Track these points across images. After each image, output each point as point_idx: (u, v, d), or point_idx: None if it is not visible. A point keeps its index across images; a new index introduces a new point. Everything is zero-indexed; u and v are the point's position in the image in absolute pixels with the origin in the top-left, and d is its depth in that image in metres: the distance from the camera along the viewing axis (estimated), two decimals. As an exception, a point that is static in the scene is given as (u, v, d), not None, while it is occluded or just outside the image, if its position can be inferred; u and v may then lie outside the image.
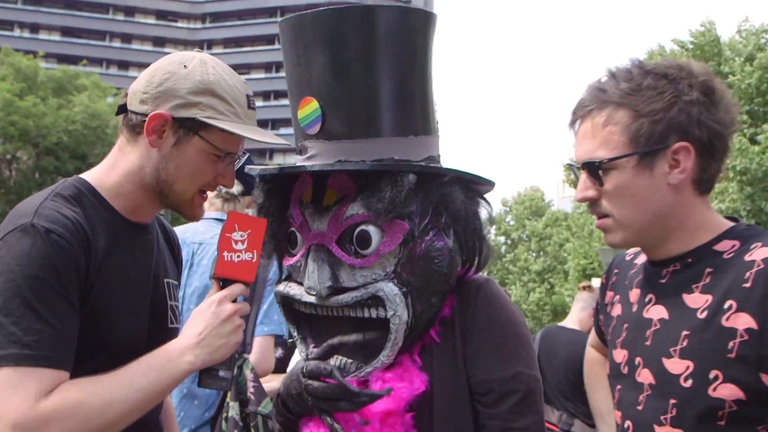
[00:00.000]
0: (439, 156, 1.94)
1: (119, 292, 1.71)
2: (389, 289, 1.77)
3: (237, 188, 3.18)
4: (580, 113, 1.64)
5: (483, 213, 1.93)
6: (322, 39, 1.81)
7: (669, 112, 1.53)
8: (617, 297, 1.80)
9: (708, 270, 1.55)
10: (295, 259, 1.91)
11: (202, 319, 1.65)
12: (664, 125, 1.54)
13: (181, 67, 1.71)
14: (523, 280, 36.83)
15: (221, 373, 1.70)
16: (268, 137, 1.79)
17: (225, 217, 2.63)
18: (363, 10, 1.82)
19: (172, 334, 1.88)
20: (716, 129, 1.55)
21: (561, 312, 23.31)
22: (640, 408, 1.60)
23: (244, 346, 3.08)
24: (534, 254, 39.01)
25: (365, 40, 1.81)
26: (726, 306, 1.48)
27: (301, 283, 1.88)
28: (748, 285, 1.45)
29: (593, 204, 1.65)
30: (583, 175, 1.64)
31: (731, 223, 1.62)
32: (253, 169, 1.96)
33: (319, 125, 1.83)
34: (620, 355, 1.70)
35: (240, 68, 71.10)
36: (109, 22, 70.70)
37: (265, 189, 1.94)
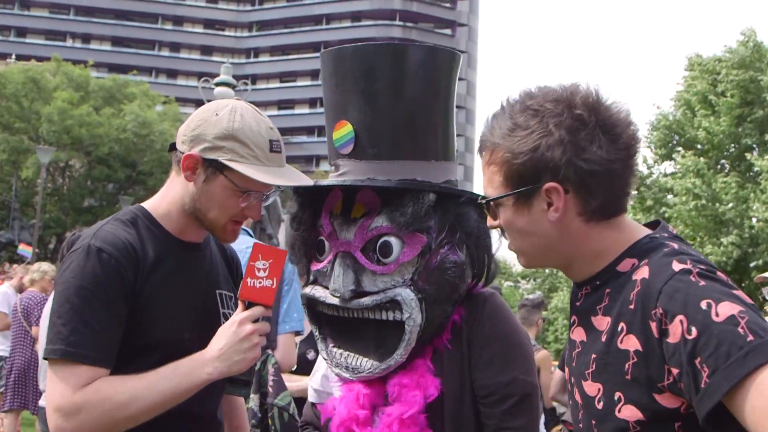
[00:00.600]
0: (456, 180, 2.19)
1: (165, 300, 1.97)
2: (406, 294, 1.99)
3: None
4: (479, 149, 1.68)
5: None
6: (359, 70, 2.06)
7: (536, 152, 1.52)
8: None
9: (607, 291, 1.56)
10: (322, 264, 2.13)
11: (224, 336, 1.88)
12: (532, 165, 1.53)
13: (213, 114, 1.97)
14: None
15: (241, 383, 1.98)
16: (280, 179, 1.96)
17: (251, 230, 2.82)
18: (396, 47, 2.12)
19: None
20: (586, 168, 1.51)
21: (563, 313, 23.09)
22: (581, 425, 1.64)
23: (269, 343, 3.26)
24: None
25: (397, 74, 2.06)
26: (619, 328, 1.49)
27: (326, 287, 2.11)
28: (632, 307, 1.47)
29: (502, 232, 1.72)
30: None
31: (638, 237, 1.59)
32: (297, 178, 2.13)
33: (352, 146, 2.07)
34: (566, 372, 1.77)
35: (286, 75, 72.05)
36: (158, 31, 72.12)
37: (299, 201, 2.17)
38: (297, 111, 69.78)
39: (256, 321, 1.90)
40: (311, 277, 2.19)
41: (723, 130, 20.63)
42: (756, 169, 20.25)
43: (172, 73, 70.42)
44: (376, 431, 2.03)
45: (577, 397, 1.65)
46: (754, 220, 18.86)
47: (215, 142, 1.93)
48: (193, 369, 1.85)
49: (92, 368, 1.80)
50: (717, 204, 19.43)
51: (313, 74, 70.91)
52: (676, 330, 1.36)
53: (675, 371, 1.37)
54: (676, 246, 1.53)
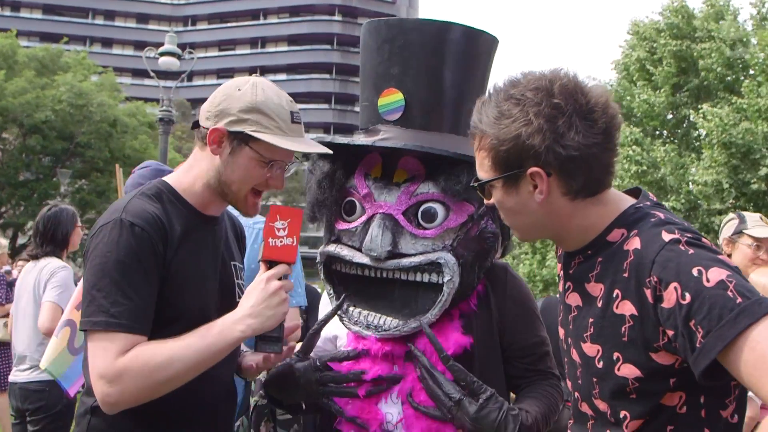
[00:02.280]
0: None
1: (192, 272, 2.06)
2: (449, 258, 2.11)
3: None
4: (470, 134, 1.78)
5: None
6: (421, 44, 2.17)
7: (518, 140, 1.62)
8: (560, 275, 1.95)
9: (599, 260, 1.70)
10: (352, 224, 2.22)
11: (253, 295, 1.96)
12: (515, 152, 1.64)
13: (236, 90, 2.05)
14: (515, 253, 37.13)
15: (272, 339, 2.01)
16: (305, 146, 2.06)
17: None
18: (458, 28, 2.22)
19: None
20: (564, 154, 1.60)
21: (552, 283, 23.53)
22: (580, 382, 1.78)
23: None
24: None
25: (455, 53, 2.19)
26: (614, 295, 1.63)
27: (352, 246, 2.20)
28: (626, 275, 1.60)
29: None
30: None
31: (624, 208, 1.71)
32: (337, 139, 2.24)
33: (400, 114, 2.19)
34: (561, 332, 1.91)
35: (225, 44, 70.84)
36: (91, -1, 69.91)
37: (330, 160, 2.25)
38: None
39: (281, 279, 1.98)
40: (333, 236, 2.26)
41: (662, 101, 21.11)
42: (696, 134, 20.77)
43: (107, 42, 68.51)
44: (412, 377, 2.12)
45: (575, 356, 1.78)
46: (691, 185, 19.35)
47: (240, 115, 2.01)
48: (226, 328, 1.93)
49: (132, 336, 1.89)
50: (656, 170, 19.90)
51: (252, 42, 70.01)
52: (670, 296, 1.49)
53: (670, 333, 1.51)
54: (662, 215, 1.65)
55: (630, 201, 1.75)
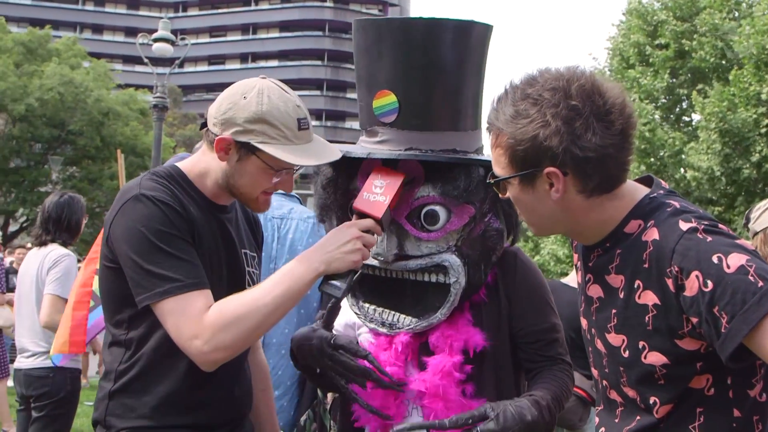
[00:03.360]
0: (482, 146, 2.27)
1: (204, 257, 2.07)
2: (453, 260, 2.13)
3: None
4: (487, 129, 1.80)
5: None
6: (406, 44, 2.11)
7: (535, 141, 1.64)
8: (578, 266, 1.97)
9: (618, 251, 1.72)
10: None
11: (331, 237, 2.03)
12: (533, 152, 1.65)
13: (241, 98, 2.03)
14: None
15: (336, 283, 2.03)
16: (310, 159, 2.05)
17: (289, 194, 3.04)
18: (442, 24, 2.14)
19: None
20: (581, 156, 1.62)
21: (545, 270, 23.61)
22: (606, 371, 1.81)
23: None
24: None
25: (442, 49, 2.12)
26: (635, 285, 1.66)
27: None
28: (646, 266, 1.63)
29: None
30: None
31: (638, 199, 1.73)
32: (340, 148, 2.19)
33: (395, 116, 2.14)
34: (583, 322, 1.93)
35: (216, 30, 70.39)
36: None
37: (333, 164, 2.23)
38: (228, 66, 68.26)
39: (368, 233, 2.04)
40: None
41: (663, 86, 21.01)
42: (691, 119, 20.74)
43: (98, 29, 67.98)
44: (422, 377, 2.15)
45: (600, 346, 1.80)
46: (684, 170, 19.36)
47: (246, 126, 2.01)
48: (300, 267, 1.99)
49: (203, 291, 1.96)
50: (654, 153, 19.89)
51: (244, 29, 69.57)
52: (692, 284, 1.52)
53: (694, 320, 1.54)
54: (677, 204, 1.68)
55: (644, 191, 1.77)
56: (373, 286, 2.27)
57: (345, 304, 2.33)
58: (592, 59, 23.94)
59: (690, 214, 1.63)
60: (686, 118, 21.15)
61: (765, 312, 1.43)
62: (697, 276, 1.51)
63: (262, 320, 1.95)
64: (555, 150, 1.62)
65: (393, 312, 2.22)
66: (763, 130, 17.48)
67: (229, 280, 2.18)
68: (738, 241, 1.56)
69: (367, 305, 2.27)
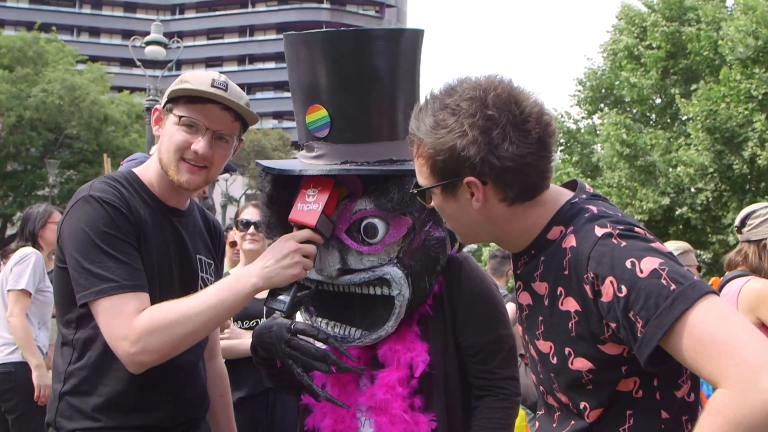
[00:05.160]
0: None
1: (155, 260, 2.13)
2: (395, 273, 2.11)
3: None
4: (409, 140, 1.80)
5: None
6: (331, 57, 2.09)
7: (454, 151, 1.65)
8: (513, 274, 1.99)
9: (542, 258, 1.74)
10: None
11: (269, 252, 2.05)
12: (452, 162, 1.66)
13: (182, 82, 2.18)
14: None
15: (281, 298, 2.07)
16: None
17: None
18: (365, 34, 2.13)
19: None
20: (498, 165, 1.63)
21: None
22: (541, 376, 1.82)
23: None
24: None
25: (368, 59, 2.10)
26: (558, 292, 1.68)
27: None
28: (566, 272, 1.64)
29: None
30: None
31: (560, 205, 1.74)
32: (273, 168, 2.21)
33: (328, 130, 2.13)
34: (519, 329, 1.94)
35: (214, 32, 70.33)
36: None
37: (272, 180, 2.22)
38: (225, 68, 68.11)
39: (307, 244, 2.05)
40: None
41: (652, 84, 21.01)
42: (683, 117, 20.70)
43: (95, 32, 67.91)
44: (370, 392, 2.15)
45: (533, 353, 1.83)
46: (679, 168, 19.32)
47: (169, 91, 2.17)
48: (237, 281, 2.02)
49: (139, 294, 2.00)
50: (645, 156, 19.87)
51: (241, 31, 69.50)
52: (608, 290, 1.54)
53: (613, 325, 1.56)
54: (594, 209, 1.69)
55: (567, 196, 1.78)
56: (324, 300, 2.27)
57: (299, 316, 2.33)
58: (587, 59, 23.88)
59: (606, 219, 1.63)
60: (682, 117, 21.10)
61: (677, 315, 1.44)
62: (611, 282, 1.53)
63: (192, 329, 1.97)
64: (473, 160, 1.63)
65: (344, 325, 2.22)
66: (756, 125, 17.45)
67: (182, 283, 2.20)
68: (653, 245, 1.57)
69: (320, 319, 2.27)
